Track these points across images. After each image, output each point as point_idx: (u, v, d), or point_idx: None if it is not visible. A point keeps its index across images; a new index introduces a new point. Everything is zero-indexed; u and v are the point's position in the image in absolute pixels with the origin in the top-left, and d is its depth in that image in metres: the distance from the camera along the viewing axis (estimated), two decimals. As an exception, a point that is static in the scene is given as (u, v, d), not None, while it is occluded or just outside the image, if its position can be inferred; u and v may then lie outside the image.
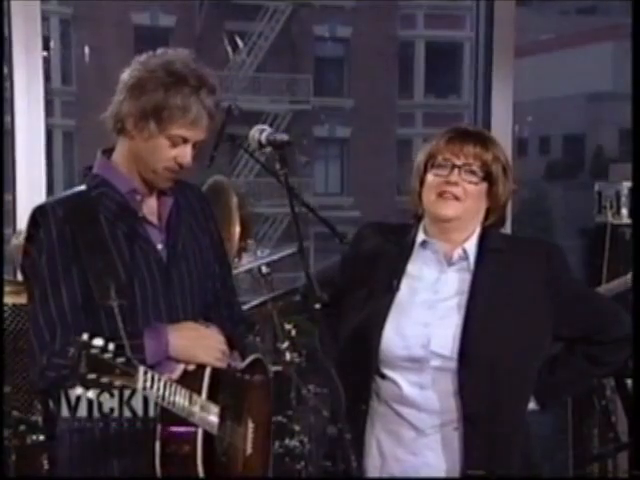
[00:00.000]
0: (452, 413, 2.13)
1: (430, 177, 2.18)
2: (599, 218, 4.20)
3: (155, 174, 2.09)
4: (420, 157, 2.22)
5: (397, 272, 2.21)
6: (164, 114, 2.03)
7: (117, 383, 1.83)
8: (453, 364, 2.11)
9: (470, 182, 2.15)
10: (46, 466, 3.03)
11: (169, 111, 2.02)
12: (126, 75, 2.08)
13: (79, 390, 1.80)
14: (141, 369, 1.88)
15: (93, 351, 1.78)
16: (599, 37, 21.61)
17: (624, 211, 4.10)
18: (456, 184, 2.14)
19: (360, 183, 20.04)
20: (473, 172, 2.15)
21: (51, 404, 3.02)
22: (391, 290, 2.20)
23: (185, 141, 2.06)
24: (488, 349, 2.10)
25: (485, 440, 2.11)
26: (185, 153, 2.06)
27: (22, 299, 3.21)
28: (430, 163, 2.18)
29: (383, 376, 2.18)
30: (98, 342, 1.79)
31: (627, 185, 4.08)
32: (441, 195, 2.15)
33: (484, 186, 2.18)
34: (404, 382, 2.15)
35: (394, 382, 2.17)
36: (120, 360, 1.82)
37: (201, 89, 2.04)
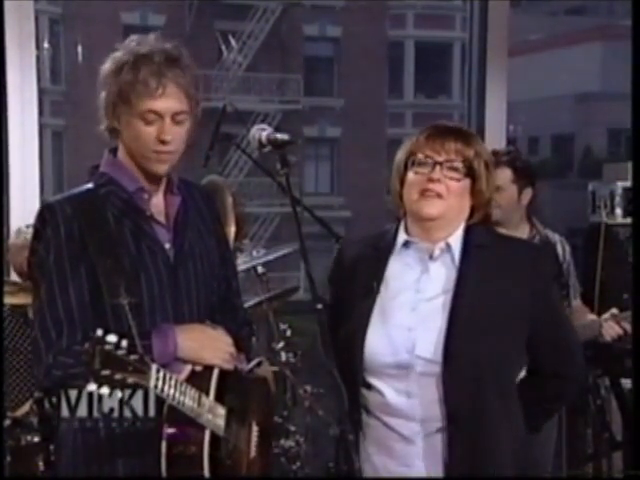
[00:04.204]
0: (440, 420, 2.08)
1: (411, 175, 2.11)
2: (593, 218, 4.22)
3: (147, 160, 2.07)
4: (399, 156, 2.16)
5: (376, 275, 2.15)
6: (127, 93, 2.01)
7: (130, 380, 1.82)
8: (438, 368, 2.05)
9: (452, 179, 2.09)
10: (42, 467, 3.02)
11: (131, 88, 2.01)
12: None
13: (92, 386, 1.80)
14: (154, 367, 1.87)
15: (107, 347, 1.77)
16: (587, 37, 21.71)
17: (618, 211, 4.13)
18: (438, 181, 2.08)
19: (350, 183, 20.07)
20: (455, 168, 2.09)
21: (47, 404, 3.01)
22: (372, 293, 2.14)
23: (159, 115, 2.03)
24: (473, 350, 2.05)
25: (469, 441, 2.07)
26: (163, 129, 2.02)
27: (16, 299, 3.21)
28: (410, 161, 2.12)
29: (369, 386, 2.12)
30: (112, 338, 1.79)
31: (621, 185, 4.11)
32: (423, 193, 2.09)
33: (467, 182, 2.11)
34: (390, 391, 2.10)
35: (379, 392, 2.11)
36: (133, 357, 1.81)
37: (155, 58, 2.02)
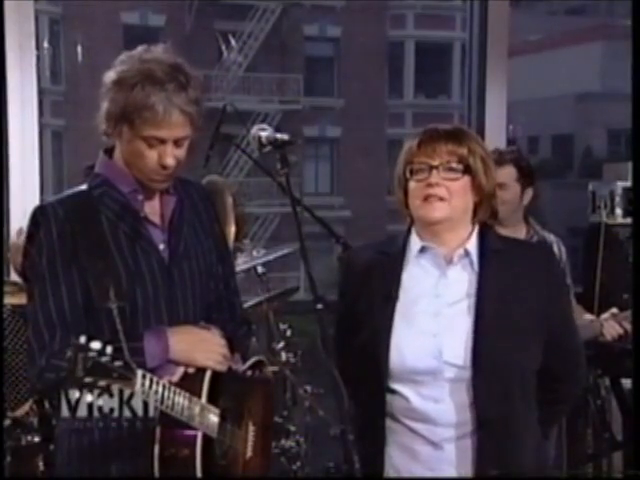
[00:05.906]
0: (468, 424, 2.09)
1: (412, 184, 2.16)
2: (593, 218, 4.22)
3: (144, 176, 2.07)
4: (398, 167, 2.20)
5: (393, 281, 2.17)
6: (133, 116, 1.98)
7: (115, 387, 1.81)
8: (467, 373, 2.07)
9: (451, 179, 2.13)
10: (42, 467, 3.02)
11: (137, 112, 1.97)
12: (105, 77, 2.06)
13: (77, 394, 1.79)
14: (139, 373, 1.86)
15: (90, 354, 1.76)
16: (587, 37, 21.68)
17: (618, 211, 4.13)
18: (437, 185, 2.12)
19: (350, 183, 20.07)
20: (452, 169, 2.13)
21: (47, 405, 3.01)
22: (390, 300, 2.15)
23: (162, 141, 2.01)
24: (501, 353, 2.07)
25: (498, 445, 2.09)
26: (165, 154, 2.01)
27: (16, 299, 3.21)
28: (408, 170, 2.16)
29: (392, 391, 2.12)
30: (96, 345, 1.77)
31: (621, 185, 4.12)
32: (426, 199, 2.13)
33: (467, 180, 2.15)
34: (416, 397, 2.10)
35: (404, 397, 2.11)
36: (118, 364, 1.80)
37: (166, 85, 1.98)
